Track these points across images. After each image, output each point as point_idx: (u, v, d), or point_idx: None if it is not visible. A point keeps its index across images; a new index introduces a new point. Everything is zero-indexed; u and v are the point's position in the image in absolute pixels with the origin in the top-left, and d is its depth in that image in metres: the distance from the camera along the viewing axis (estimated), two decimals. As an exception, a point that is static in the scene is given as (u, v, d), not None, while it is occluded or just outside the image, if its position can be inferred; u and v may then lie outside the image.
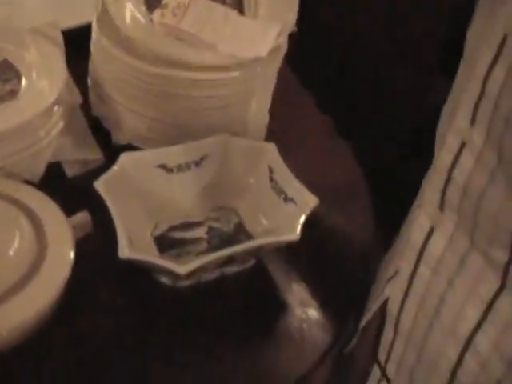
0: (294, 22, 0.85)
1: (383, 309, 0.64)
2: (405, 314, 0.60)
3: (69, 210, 0.74)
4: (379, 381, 0.66)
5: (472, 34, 0.56)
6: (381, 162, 1.04)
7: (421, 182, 0.63)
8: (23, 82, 0.83)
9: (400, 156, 1.14)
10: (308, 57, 1.08)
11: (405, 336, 0.61)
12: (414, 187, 0.69)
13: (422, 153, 0.81)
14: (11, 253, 0.70)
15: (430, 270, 0.56)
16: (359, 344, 0.72)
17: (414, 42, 1.13)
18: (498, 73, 0.48)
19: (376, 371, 0.66)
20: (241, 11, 0.87)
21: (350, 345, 0.73)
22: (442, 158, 0.54)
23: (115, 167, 0.75)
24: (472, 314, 0.53)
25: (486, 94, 0.49)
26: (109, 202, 0.71)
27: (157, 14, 0.84)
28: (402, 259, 0.59)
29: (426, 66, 1.15)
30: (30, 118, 0.78)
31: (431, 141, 0.61)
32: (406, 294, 0.59)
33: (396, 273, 0.62)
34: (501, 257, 0.51)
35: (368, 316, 0.71)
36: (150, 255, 0.71)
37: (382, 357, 0.65)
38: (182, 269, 0.66)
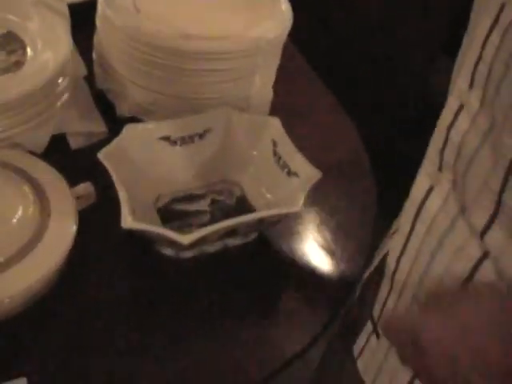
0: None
1: (383, 264, 0.65)
2: (400, 270, 0.61)
3: (73, 182, 0.74)
4: (369, 335, 0.67)
5: (476, 4, 0.57)
6: (383, 138, 1.05)
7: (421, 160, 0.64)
8: (28, 52, 0.83)
9: (402, 132, 1.14)
10: (312, 33, 1.08)
11: (397, 292, 0.62)
12: (415, 164, 0.69)
13: (423, 130, 0.82)
14: (14, 221, 0.70)
15: (425, 227, 0.58)
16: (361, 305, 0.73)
17: (418, 22, 1.13)
18: (495, 38, 0.50)
19: (369, 326, 0.68)
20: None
21: (352, 302, 0.75)
22: (443, 117, 0.56)
23: (119, 139, 0.75)
24: (459, 273, 0.55)
25: (483, 58, 0.52)
26: (112, 173, 0.71)
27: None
28: (403, 216, 0.61)
29: (429, 46, 1.15)
30: (34, 88, 0.78)
31: (433, 119, 0.62)
32: (403, 249, 0.60)
33: (396, 229, 0.64)
34: (481, 223, 0.53)
35: (370, 269, 0.72)
36: (152, 225, 0.71)
37: (376, 313, 0.66)
38: (184, 238, 0.66)
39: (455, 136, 0.55)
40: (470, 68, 0.53)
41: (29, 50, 0.84)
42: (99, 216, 0.74)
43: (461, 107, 0.55)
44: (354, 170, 0.90)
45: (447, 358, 0.51)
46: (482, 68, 0.52)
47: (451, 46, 0.83)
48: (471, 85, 0.54)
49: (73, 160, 0.83)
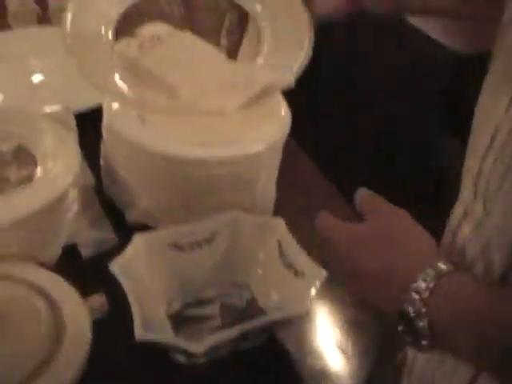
0: (304, 63, 0.79)
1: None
2: None
3: (84, 291, 0.76)
4: None
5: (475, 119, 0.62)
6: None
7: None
8: (38, 167, 0.86)
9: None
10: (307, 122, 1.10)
11: None
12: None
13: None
14: (30, 338, 0.72)
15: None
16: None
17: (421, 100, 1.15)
18: (490, 157, 0.55)
19: None
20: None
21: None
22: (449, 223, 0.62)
23: (129, 249, 0.78)
24: None
25: (483, 171, 0.57)
26: (124, 284, 0.73)
27: (122, 44, 0.79)
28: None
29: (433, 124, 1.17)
30: (46, 204, 0.80)
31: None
32: None
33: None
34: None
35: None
36: (164, 335, 0.73)
37: None
38: (197, 347, 0.68)
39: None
40: (472, 180, 0.57)
41: (39, 164, 0.87)
42: (111, 324, 0.76)
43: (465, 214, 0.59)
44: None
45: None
46: (482, 180, 0.56)
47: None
48: (475, 195, 0.58)
49: (84, 268, 0.85)
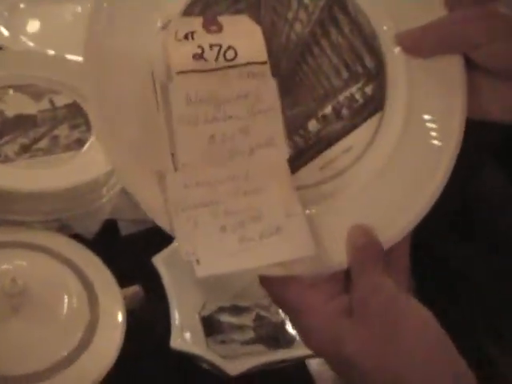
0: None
1: None
2: None
3: (120, 276, 0.74)
4: None
5: None
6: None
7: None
8: (91, 133, 0.83)
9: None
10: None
11: None
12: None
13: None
14: (62, 322, 0.70)
15: None
16: None
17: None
18: None
19: None
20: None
21: None
22: None
23: (174, 244, 0.76)
24: None
25: None
26: (165, 281, 0.72)
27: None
28: None
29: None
30: (94, 177, 0.78)
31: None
32: None
33: None
34: None
35: None
36: (199, 347, 0.71)
37: None
38: (231, 370, 0.67)
39: None
40: None
41: (93, 129, 0.84)
42: (145, 318, 0.75)
43: None
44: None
45: None
46: None
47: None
48: None
49: (122, 247, 0.83)
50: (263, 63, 0.49)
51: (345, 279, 0.48)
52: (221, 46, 0.48)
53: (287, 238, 0.47)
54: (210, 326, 0.77)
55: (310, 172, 0.50)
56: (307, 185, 0.49)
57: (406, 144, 0.51)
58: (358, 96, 0.51)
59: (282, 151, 0.48)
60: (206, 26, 0.48)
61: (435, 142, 0.51)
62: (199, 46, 0.47)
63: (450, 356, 0.47)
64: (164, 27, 0.47)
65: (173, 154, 0.46)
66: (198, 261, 0.45)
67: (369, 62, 0.51)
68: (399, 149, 0.51)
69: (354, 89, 0.51)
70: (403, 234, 0.50)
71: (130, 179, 0.46)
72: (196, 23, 0.48)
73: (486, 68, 0.51)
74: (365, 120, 0.51)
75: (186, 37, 0.47)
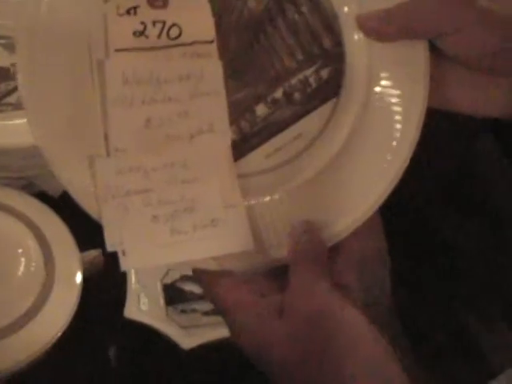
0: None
1: None
2: None
3: (80, 239, 0.73)
4: None
5: None
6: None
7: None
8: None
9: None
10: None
11: None
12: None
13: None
14: (19, 279, 0.69)
15: None
16: None
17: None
18: None
19: None
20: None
21: None
22: None
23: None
24: None
25: None
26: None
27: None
28: None
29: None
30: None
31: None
32: None
33: None
34: None
35: None
36: (156, 316, 0.70)
37: None
38: (186, 344, 0.66)
39: None
40: None
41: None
42: (103, 284, 0.73)
43: None
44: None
45: None
46: None
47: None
48: None
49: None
50: (210, 42, 0.46)
51: (281, 277, 0.46)
52: (164, 23, 0.45)
53: (223, 231, 0.44)
54: (172, 295, 0.76)
55: (255, 160, 0.47)
56: (250, 173, 0.47)
57: (361, 135, 0.48)
58: (312, 80, 0.48)
59: (224, 138, 0.46)
60: (151, 1, 0.45)
61: (393, 132, 0.48)
62: (142, 23, 0.45)
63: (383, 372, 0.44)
64: (106, 0, 0.45)
65: (106, 137, 0.44)
66: (123, 251, 0.43)
67: (327, 44, 0.49)
68: (352, 140, 0.48)
69: (308, 72, 0.48)
70: (350, 230, 0.48)
71: (56, 160, 0.44)
72: (140, -4, 0.45)
73: (454, 57, 0.48)
74: (318, 106, 0.48)
75: (128, 12, 0.45)
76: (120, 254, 0.43)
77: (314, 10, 0.48)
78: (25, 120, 0.74)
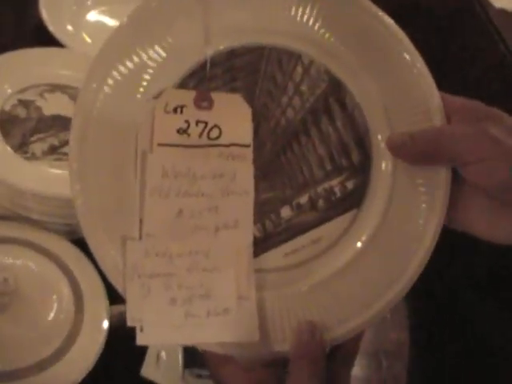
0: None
1: None
2: None
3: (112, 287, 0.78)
4: None
5: None
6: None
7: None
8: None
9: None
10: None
11: None
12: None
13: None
14: (49, 320, 0.75)
15: None
16: None
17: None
18: None
19: None
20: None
21: None
22: None
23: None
24: None
25: None
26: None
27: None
28: None
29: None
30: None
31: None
32: None
33: None
34: None
35: None
36: (172, 378, 0.75)
37: None
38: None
39: None
40: None
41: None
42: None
43: None
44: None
45: None
46: None
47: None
48: None
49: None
50: (246, 146, 0.51)
51: (282, 368, 0.51)
52: (207, 124, 0.51)
53: (233, 320, 0.50)
54: (190, 358, 0.80)
55: (273, 257, 0.52)
56: (267, 269, 0.52)
57: (376, 244, 0.53)
58: (337, 190, 0.53)
59: (247, 235, 0.51)
60: (198, 101, 0.51)
61: (408, 246, 0.53)
62: (186, 121, 0.51)
63: None
64: (156, 97, 0.51)
65: (140, 221, 0.50)
66: (141, 328, 0.48)
67: (355, 157, 0.54)
68: (368, 248, 0.53)
69: (334, 182, 0.53)
70: (353, 333, 0.52)
71: (93, 236, 0.50)
72: (188, 97, 0.51)
73: (474, 185, 0.52)
74: (339, 214, 0.53)
75: (175, 110, 0.51)
76: (138, 330, 0.48)
77: (347, 124, 0.54)
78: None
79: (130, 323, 0.48)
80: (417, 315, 0.93)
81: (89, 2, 1.08)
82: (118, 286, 0.49)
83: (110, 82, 0.51)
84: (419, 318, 0.90)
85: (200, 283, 0.50)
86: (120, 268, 0.49)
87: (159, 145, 0.50)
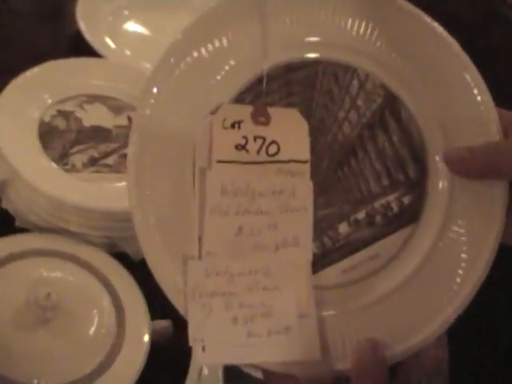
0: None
1: None
2: None
3: (154, 303, 0.78)
4: None
5: None
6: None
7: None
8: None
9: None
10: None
11: None
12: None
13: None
14: (90, 335, 0.75)
15: None
16: None
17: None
18: None
19: None
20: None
21: None
22: None
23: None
24: None
25: None
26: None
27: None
28: None
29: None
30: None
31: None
32: None
33: None
34: None
35: None
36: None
37: None
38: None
39: None
40: None
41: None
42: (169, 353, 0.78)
43: None
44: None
45: None
46: None
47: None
48: None
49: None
50: (304, 162, 0.51)
51: None
52: (265, 140, 0.51)
53: (294, 339, 0.50)
54: (231, 373, 0.80)
55: (332, 274, 0.52)
56: (326, 286, 0.52)
57: (434, 259, 0.53)
58: (394, 205, 0.53)
59: (306, 252, 0.51)
60: (255, 116, 0.51)
61: (463, 264, 0.53)
62: (244, 137, 0.51)
63: None
64: (213, 112, 0.51)
65: (200, 240, 0.50)
66: (203, 348, 0.48)
67: (412, 172, 0.54)
68: (426, 263, 0.53)
69: (391, 197, 0.53)
70: (413, 350, 0.52)
71: (153, 255, 0.50)
72: (245, 112, 0.51)
73: None
74: (397, 230, 0.53)
75: (232, 125, 0.51)
76: (199, 350, 0.48)
77: (403, 139, 0.54)
78: (119, 184, 0.82)
79: (191, 343, 0.48)
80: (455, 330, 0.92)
81: (126, 12, 1.08)
82: (179, 305, 0.49)
83: (167, 99, 0.51)
84: (458, 334, 0.89)
85: (261, 302, 0.50)
86: (179, 287, 0.49)
87: (218, 161, 0.50)
